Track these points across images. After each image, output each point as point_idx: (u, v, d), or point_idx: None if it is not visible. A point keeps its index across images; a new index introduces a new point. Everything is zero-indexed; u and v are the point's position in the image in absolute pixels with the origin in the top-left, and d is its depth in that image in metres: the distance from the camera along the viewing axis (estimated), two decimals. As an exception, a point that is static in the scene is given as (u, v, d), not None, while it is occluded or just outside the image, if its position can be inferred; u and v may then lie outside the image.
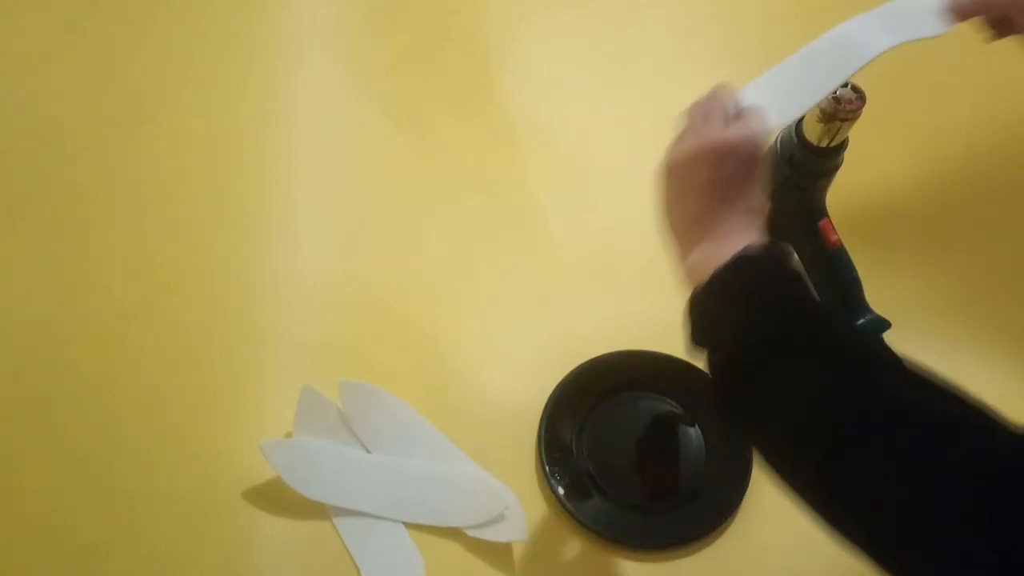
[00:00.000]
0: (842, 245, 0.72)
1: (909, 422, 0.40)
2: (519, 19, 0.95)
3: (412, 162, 0.86)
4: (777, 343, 0.46)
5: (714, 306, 0.50)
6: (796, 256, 0.63)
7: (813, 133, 0.65)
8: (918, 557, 0.38)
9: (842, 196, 0.72)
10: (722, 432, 0.71)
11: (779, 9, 0.95)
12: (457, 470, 0.69)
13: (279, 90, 0.90)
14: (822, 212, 0.72)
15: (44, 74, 0.90)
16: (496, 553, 0.66)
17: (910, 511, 0.38)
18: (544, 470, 0.69)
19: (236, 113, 0.88)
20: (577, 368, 0.73)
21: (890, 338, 0.74)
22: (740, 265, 0.49)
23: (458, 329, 0.76)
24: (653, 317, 0.77)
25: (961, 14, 0.56)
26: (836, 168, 0.69)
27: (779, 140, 0.69)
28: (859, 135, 0.67)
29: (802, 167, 0.68)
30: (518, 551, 0.66)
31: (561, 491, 0.68)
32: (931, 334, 0.75)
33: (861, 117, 0.64)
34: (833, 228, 0.72)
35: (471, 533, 0.66)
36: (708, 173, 0.53)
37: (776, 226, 0.74)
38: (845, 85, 0.62)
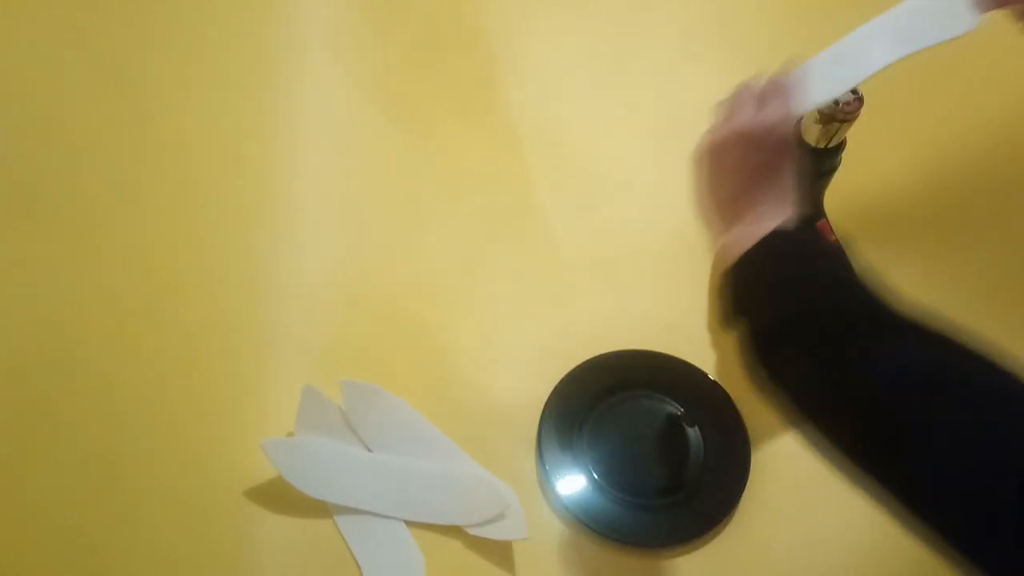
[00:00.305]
0: (840, 246, 0.72)
1: (950, 385, 0.42)
2: (520, 19, 0.95)
3: (413, 162, 0.86)
4: (812, 311, 0.48)
5: (750, 279, 0.52)
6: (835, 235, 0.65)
7: (811, 134, 0.66)
8: (956, 513, 0.39)
9: (840, 197, 0.73)
10: (719, 432, 0.71)
11: (780, 9, 0.96)
12: (458, 469, 0.69)
13: (280, 90, 0.90)
14: (820, 213, 0.72)
15: (45, 74, 0.90)
16: (496, 551, 0.66)
17: (949, 467, 0.40)
18: (544, 469, 0.69)
19: (237, 113, 0.88)
20: (577, 367, 0.73)
21: (888, 338, 0.74)
22: (775, 241, 0.52)
23: (459, 328, 0.76)
24: (653, 317, 0.77)
25: (989, 4, 0.57)
26: (834, 169, 0.69)
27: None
28: (857, 136, 0.67)
29: (800, 168, 0.68)
30: (518, 549, 0.67)
31: (561, 490, 0.68)
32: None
33: (859, 118, 0.64)
34: (831, 229, 0.73)
35: (472, 531, 0.66)
36: (740, 159, 0.55)
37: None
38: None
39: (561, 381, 0.73)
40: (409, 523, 0.67)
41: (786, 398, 0.50)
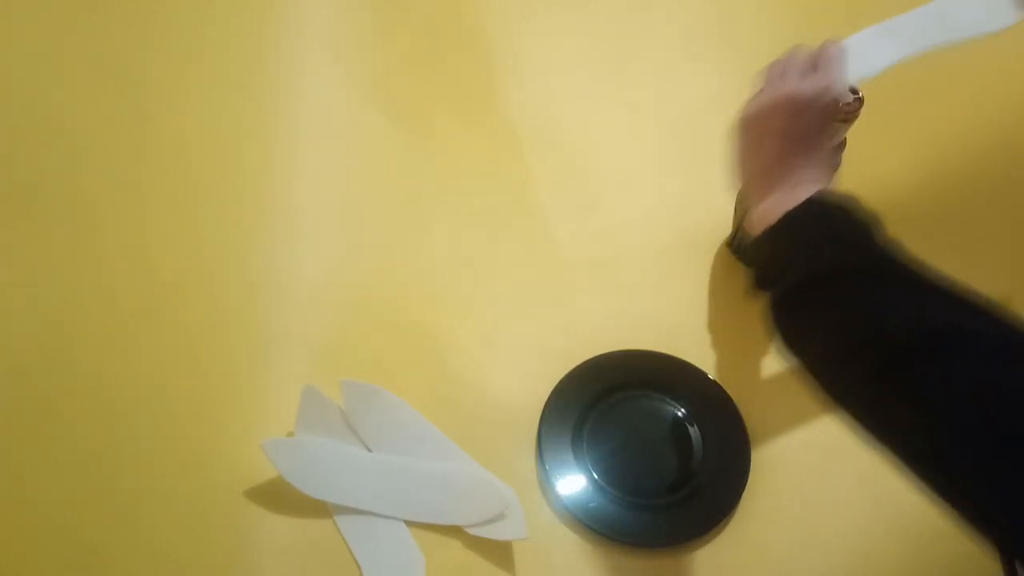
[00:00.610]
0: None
1: (967, 344, 0.42)
2: (520, 19, 0.95)
3: (413, 162, 0.86)
4: (838, 273, 0.49)
5: (782, 244, 0.53)
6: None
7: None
8: (963, 472, 0.40)
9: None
10: (719, 431, 0.71)
11: (780, 9, 0.96)
12: (458, 469, 0.69)
13: (280, 90, 0.90)
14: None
15: (45, 74, 0.90)
16: (496, 551, 0.66)
17: (957, 428, 0.41)
18: (544, 469, 0.69)
19: (237, 113, 0.88)
20: (577, 367, 0.73)
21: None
22: (810, 208, 0.52)
23: (459, 329, 0.76)
24: (653, 317, 0.77)
25: None
26: (834, 169, 0.69)
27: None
28: (857, 136, 0.67)
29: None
30: (518, 549, 0.67)
31: (561, 490, 0.68)
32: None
33: (859, 118, 0.64)
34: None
35: (472, 531, 0.66)
36: (783, 125, 0.55)
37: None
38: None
39: (561, 381, 0.73)
40: (409, 523, 0.67)
41: (805, 359, 0.51)
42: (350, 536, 0.67)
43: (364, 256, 0.81)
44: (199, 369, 0.74)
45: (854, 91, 0.62)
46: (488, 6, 0.96)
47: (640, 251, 0.81)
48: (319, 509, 0.68)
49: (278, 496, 0.68)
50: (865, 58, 0.59)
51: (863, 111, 0.63)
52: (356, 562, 0.66)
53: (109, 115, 0.87)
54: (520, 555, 0.66)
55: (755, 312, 0.79)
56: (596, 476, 0.69)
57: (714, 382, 0.73)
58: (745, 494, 0.68)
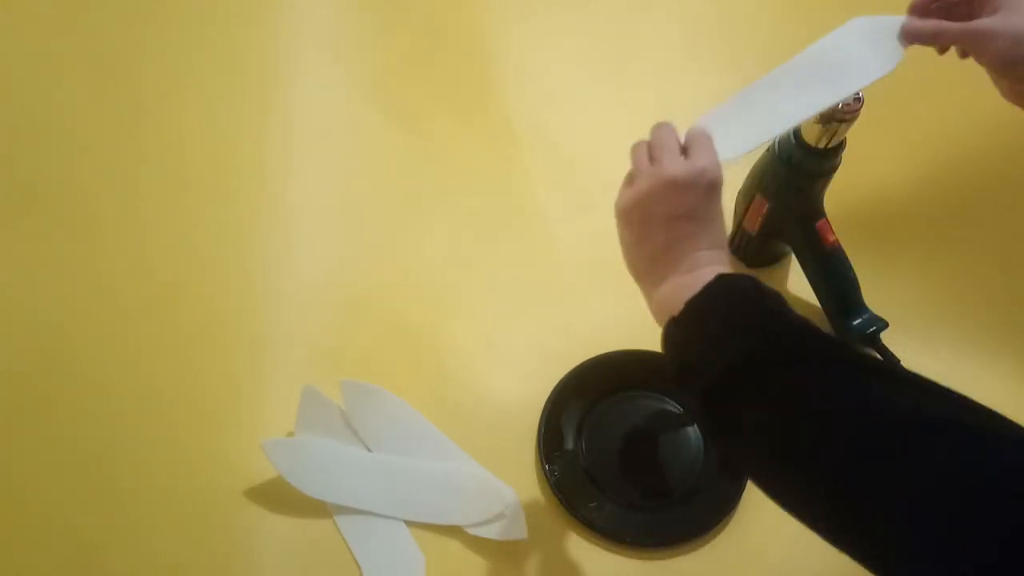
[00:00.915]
0: (839, 245, 0.72)
1: (909, 429, 0.39)
2: (519, 19, 0.95)
3: (412, 162, 0.86)
4: (763, 357, 0.45)
5: (692, 333, 0.49)
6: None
7: (811, 134, 0.66)
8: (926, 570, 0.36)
9: (840, 197, 0.73)
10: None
11: (780, 9, 0.96)
12: (457, 469, 0.69)
13: (279, 90, 0.90)
14: (820, 213, 0.72)
15: (45, 74, 0.90)
16: (496, 551, 0.66)
17: (916, 524, 0.37)
18: (544, 469, 0.69)
19: (236, 113, 0.88)
20: (577, 367, 0.73)
21: (887, 338, 0.74)
22: (715, 289, 0.48)
23: (458, 329, 0.76)
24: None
25: (911, 38, 0.57)
26: (834, 169, 0.69)
27: (777, 141, 0.70)
28: (857, 136, 0.67)
29: (800, 168, 0.68)
30: (518, 549, 0.67)
31: (561, 490, 0.68)
32: (928, 334, 0.76)
33: (859, 118, 0.64)
34: (831, 229, 0.73)
35: (472, 531, 0.66)
36: (666, 209, 0.52)
37: (774, 227, 0.74)
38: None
39: (561, 380, 0.73)
40: (409, 523, 0.67)
41: (741, 454, 0.47)
42: (350, 536, 0.67)
43: (364, 256, 0.80)
44: (199, 369, 0.74)
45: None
46: (488, 6, 0.96)
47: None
48: (319, 509, 0.68)
49: (278, 496, 0.68)
50: (737, 134, 0.57)
51: (863, 111, 0.63)
52: (356, 562, 0.66)
53: (109, 115, 0.87)
54: (520, 555, 0.66)
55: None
56: (595, 476, 0.69)
57: (714, 382, 0.73)
58: (745, 494, 0.68)
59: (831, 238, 0.72)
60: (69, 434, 0.71)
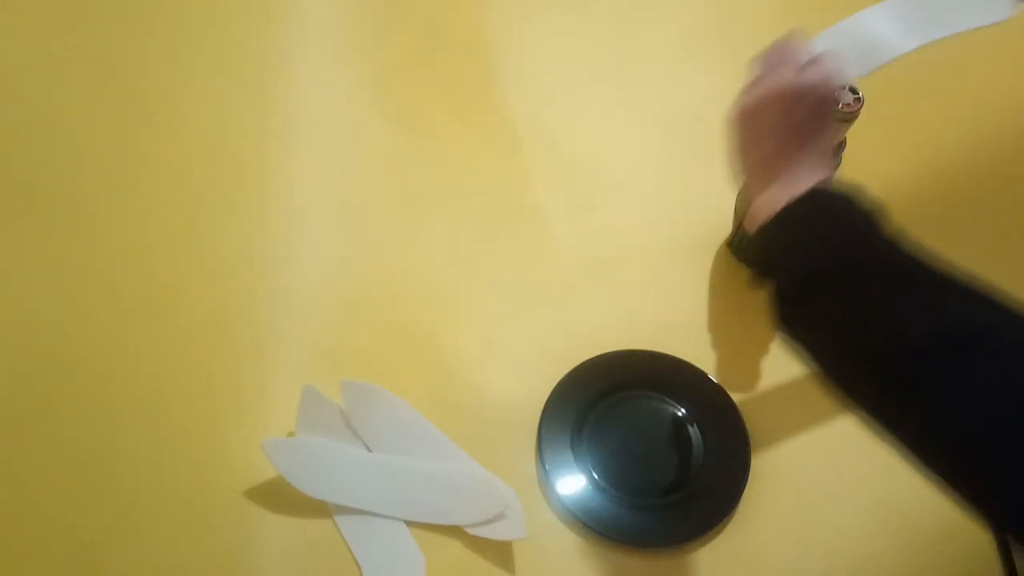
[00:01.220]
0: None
1: (980, 344, 0.43)
2: (520, 19, 0.95)
3: (412, 162, 0.86)
4: (841, 267, 0.49)
5: (787, 236, 0.53)
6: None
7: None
8: (983, 470, 0.41)
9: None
10: (719, 432, 0.71)
11: (780, 9, 0.96)
12: (457, 469, 0.69)
13: (279, 90, 0.90)
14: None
15: (44, 74, 0.90)
16: (496, 551, 0.66)
17: (967, 425, 0.41)
18: (544, 469, 0.69)
19: (237, 113, 0.88)
20: (577, 367, 0.73)
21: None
22: (815, 199, 0.52)
23: (458, 329, 0.76)
24: (653, 317, 0.77)
25: None
26: (834, 169, 0.69)
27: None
28: (857, 136, 0.67)
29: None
30: (518, 549, 0.67)
31: (561, 490, 0.68)
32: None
33: (859, 118, 0.64)
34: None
35: (471, 531, 0.66)
36: (780, 116, 0.55)
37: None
38: (843, 86, 0.63)
39: (561, 381, 0.73)
40: (409, 523, 0.67)
41: (811, 352, 0.51)
42: (350, 536, 0.67)
43: (364, 256, 0.81)
44: (199, 369, 0.74)
45: (854, 91, 0.62)
46: (488, 6, 0.96)
47: (640, 251, 0.81)
48: (319, 509, 0.68)
49: (278, 496, 0.68)
50: (864, 51, 0.58)
51: (863, 111, 0.63)
52: (356, 562, 0.66)
53: (109, 115, 0.87)
54: (520, 555, 0.66)
55: (755, 312, 0.79)
56: (596, 476, 0.69)
57: (714, 382, 0.73)
58: (745, 494, 0.68)
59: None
60: (69, 434, 0.71)
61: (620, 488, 0.68)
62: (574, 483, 0.69)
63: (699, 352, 0.75)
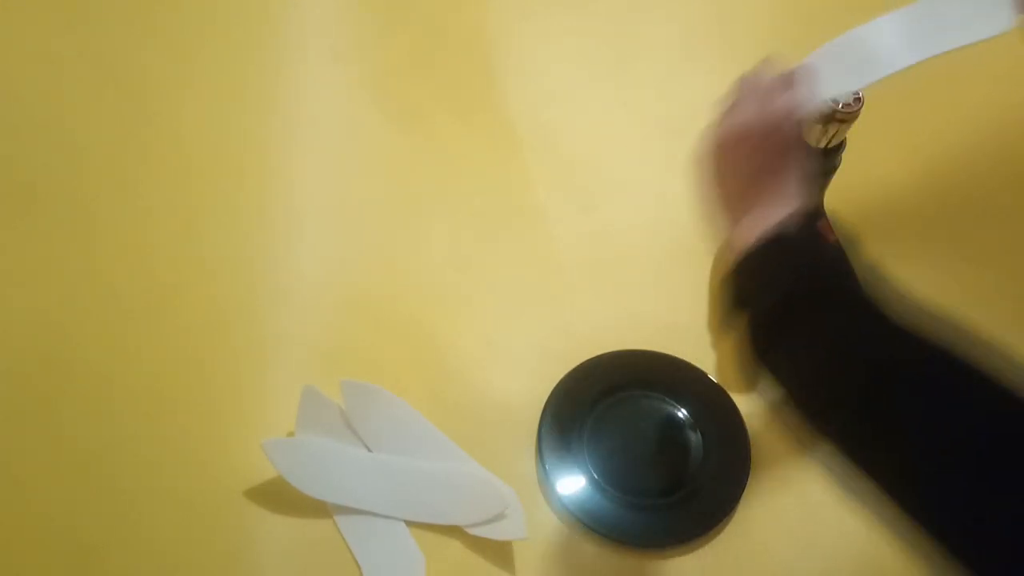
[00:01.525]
0: (840, 245, 0.72)
1: (936, 368, 0.43)
2: (520, 19, 0.95)
3: (412, 162, 0.86)
4: (814, 297, 0.49)
5: (753, 270, 0.53)
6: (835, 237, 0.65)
7: (811, 134, 0.66)
8: (943, 498, 0.41)
9: (840, 197, 0.73)
10: (719, 432, 0.71)
11: (780, 9, 0.96)
12: (458, 469, 0.69)
13: (280, 90, 0.90)
14: (820, 213, 0.72)
15: (45, 74, 0.90)
16: (496, 551, 0.66)
17: (938, 450, 0.41)
18: (544, 469, 0.69)
19: (237, 113, 0.88)
20: (577, 367, 0.73)
21: (888, 338, 0.74)
22: (778, 235, 0.52)
23: (458, 329, 0.76)
24: (653, 317, 0.77)
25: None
26: (834, 169, 0.69)
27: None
28: (857, 136, 0.67)
29: (807, 162, 0.68)
30: (518, 549, 0.67)
31: (561, 490, 0.68)
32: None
33: (859, 118, 0.64)
34: (831, 229, 0.72)
35: (472, 531, 0.66)
36: (745, 154, 0.55)
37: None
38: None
39: (561, 381, 0.73)
40: (409, 523, 0.67)
41: (780, 384, 0.51)
42: (350, 536, 0.67)
43: (364, 256, 0.81)
44: (199, 369, 0.74)
45: (854, 91, 0.62)
46: (488, 6, 0.96)
47: (640, 251, 0.81)
48: (319, 509, 0.68)
49: (278, 496, 0.68)
50: (836, 76, 0.58)
51: (863, 111, 0.63)
52: (356, 562, 0.66)
53: (109, 115, 0.87)
54: (520, 555, 0.66)
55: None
56: (596, 476, 0.69)
57: (714, 382, 0.73)
58: (745, 494, 0.68)
59: (831, 238, 0.72)
60: (69, 434, 0.71)
61: (620, 488, 0.68)
62: (574, 483, 0.69)
63: (699, 352, 0.75)
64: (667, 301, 0.78)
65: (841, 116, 0.63)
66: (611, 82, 0.91)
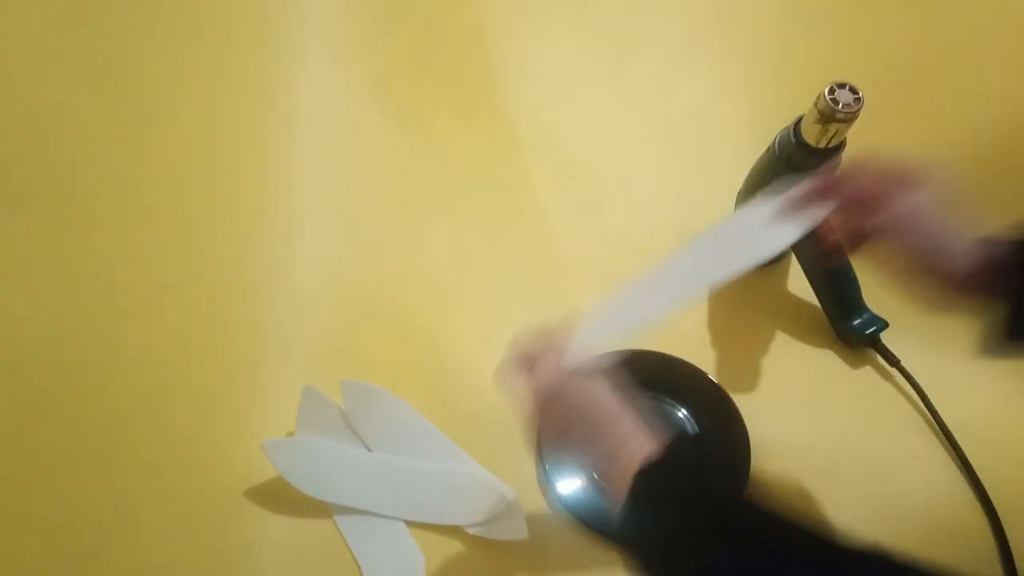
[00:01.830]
0: (840, 245, 0.72)
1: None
2: (520, 19, 0.95)
3: (413, 162, 0.86)
4: (687, 536, 0.48)
5: (643, 509, 0.51)
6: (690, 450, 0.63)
7: (811, 134, 0.66)
8: None
9: (841, 197, 0.73)
10: (719, 432, 0.71)
11: (780, 9, 0.96)
12: (458, 469, 0.69)
13: (279, 90, 0.90)
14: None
15: (44, 74, 0.90)
16: (496, 551, 0.66)
17: None
18: (544, 469, 0.69)
19: (237, 113, 0.88)
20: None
21: (887, 338, 0.74)
22: (641, 479, 0.50)
23: (459, 329, 0.76)
24: (653, 317, 0.77)
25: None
26: (834, 169, 0.69)
27: (777, 141, 0.70)
28: (857, 136, 0.67)
29: (800, 168, 0.68)
30: (518, 549, 0.67)
31: (561, 490, 0.68)
32: (927, 333, 0.76)
33: (859, 118, 0.64)
34: (831, 229, 0.72)
35: (472, 531, 0.66)
36: (569, 404, 0.54)
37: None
38: (843, 86, 0.63)
39: (561, 381, 0.73)
40: (409, 523, 0.67)
41: None
42: (350, 536, 0.67)
43: (364, 256, 0.81)
44: (199, 369, 0.74)
45: (854, 91, 0.62)
46: (488, 6, 0.96)
47: (640, 250, 0.81)
48: (319, 509, 0.68)
49: (278, 496, 0.68)
50: (603, 327, 0.58)
51: (863, 111, 0.63)
52: (356, 562, 0.66)
53: (108, 115, 0.87)
54: (520, 555, 0.66)
55: (755, 312, 0.79)
56: (596, 476, 0.69)
57: (714, 382, 0.73)
58: (745, 494, 0.68)
59: (831, 238, 0.72)
60: (69, 434, 0.71)
61: (620, 488, 0.68)
62: (574, 483, 0.69)
63: (699, 352, 0.75)
64: (667, 301, 0.78)
65: (841, 116, 0.63)
66: (611, 82, 0.91)
